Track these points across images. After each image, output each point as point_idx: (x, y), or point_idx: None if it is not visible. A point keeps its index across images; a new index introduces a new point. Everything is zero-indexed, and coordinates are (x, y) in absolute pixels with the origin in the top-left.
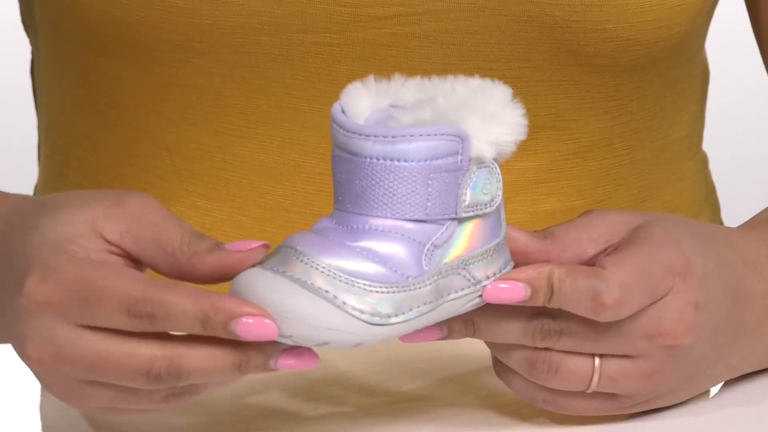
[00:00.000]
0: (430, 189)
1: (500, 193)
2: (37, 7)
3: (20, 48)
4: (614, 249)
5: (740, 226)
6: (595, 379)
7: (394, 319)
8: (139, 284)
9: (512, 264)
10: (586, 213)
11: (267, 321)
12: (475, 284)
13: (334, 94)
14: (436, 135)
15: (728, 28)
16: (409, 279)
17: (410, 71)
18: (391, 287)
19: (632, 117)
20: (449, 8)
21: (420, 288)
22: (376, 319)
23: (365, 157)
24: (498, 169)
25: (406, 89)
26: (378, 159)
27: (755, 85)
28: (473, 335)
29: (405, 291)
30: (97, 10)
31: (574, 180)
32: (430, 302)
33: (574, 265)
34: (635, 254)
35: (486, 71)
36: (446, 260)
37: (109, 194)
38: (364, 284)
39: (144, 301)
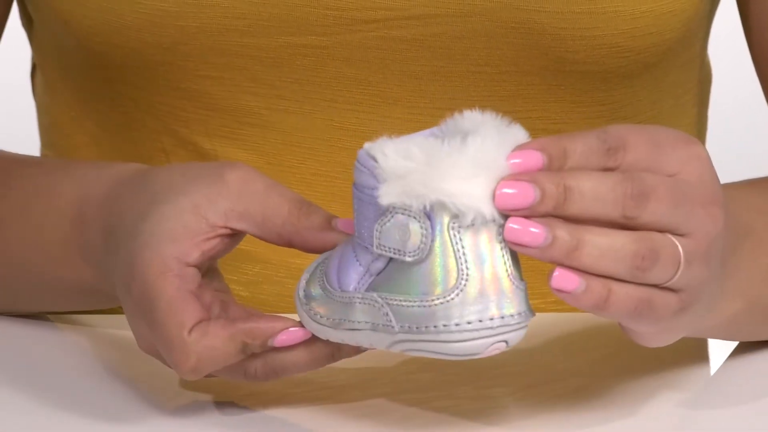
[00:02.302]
0: (358, 214)
1: (424, 247)
2: (32, 12)
3: (21, 49)
4: None
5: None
6: (682, 265)
7: (324, 321)
8: (177, 334)
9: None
10: None
11: (294, 329)
12: (391, 327)
13: (324, 96)
14: (361, 166)
15: (731, 31)
16: (339, 291)
17: (399, 73)
18: (329, 293)
19: (626, 121)
20: (436, 13)
21: (338, 301)
22: (314, 316)
23: None
24: (427, 224)
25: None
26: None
27: (758, 89)
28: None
29: (332, 300)
30: (83, 16)
31: None
32: (356, 321)
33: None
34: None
35: (475, 74)
36: (374, 289)
37: (209, 169)
38: (322, 285)
39: (185, 359)
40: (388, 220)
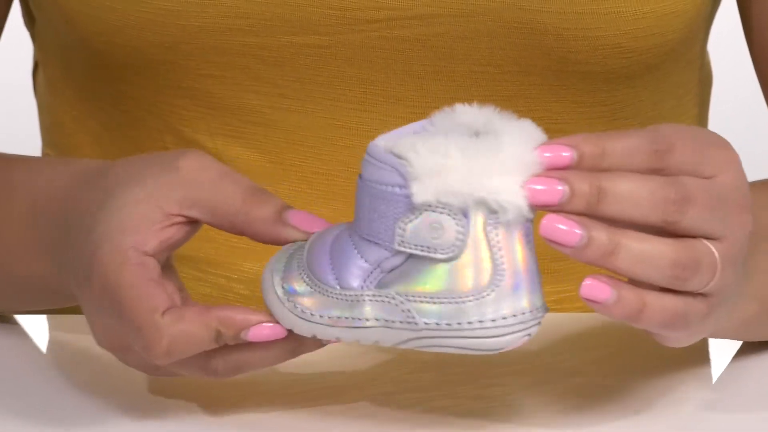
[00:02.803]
0: (370, 211)
1: (459, 244)
2: (34, 11)
3: (21, 49)
4: None
5: None
6: (719, 266)
7: (317, 318)
8: (150, 315)
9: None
10: None
11: (271, 324)
12: (414, 323)
13: (326, 95)
14: (378, 162)
15: (731, 31)
16: (343, 289)
17: (401, 73)
18: (324, 289)
19: (628, 122)
20: (439, 13)
21: (342, 299)
22: (301, 312)
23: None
24: (464, 221)
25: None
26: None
27: (758, 89)
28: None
29: (329, 296)
30: (86, 15)
31: None
32: (366, 319)
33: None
34: None
35: (477, 74)
36: (388, 287)
37: (164, 158)
38: (316, 284)
39: (158, 343)
40: (416, 218)
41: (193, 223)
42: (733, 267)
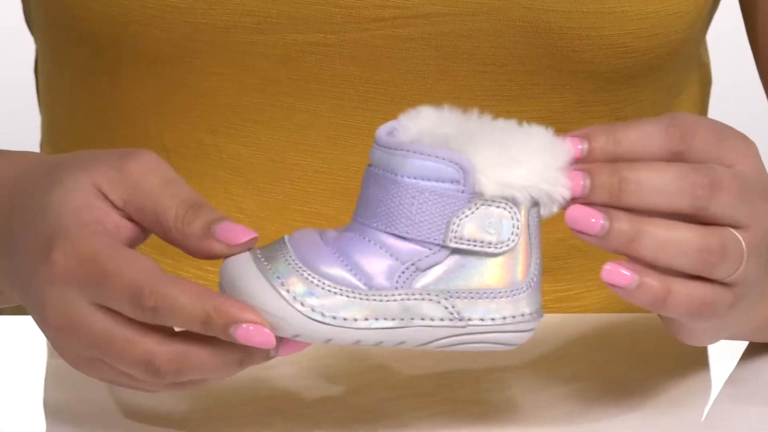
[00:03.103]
0: (414, 208)
1: (514, 239)
2: (36, 7)
3: (25, 46)
4: None
5: None
6: (745, 254)
7: (340, 321)
8: (146, 274)
9: (538, 317)
10: None
11: (266, 330)
12: (459, 320)
13: (330, 93)
14: (430, 156)
15: (732, 31)
16: (371, 289)
17: (405, 72)
18: (348, 291)
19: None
20: (444, 12)
21: (378, 300)
22: (321, 317)
23: (372, 166)
24: (519, 215)
25: (460, 121)
26: (378, 169)
27: (758, 89)
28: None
29: (360, 298)
30: (92, 10)
31: None
32: (392, 319)
33: None
34: None
35: (480, 74)
36: (425, 284)
37: (110, 156)
38: (326, 284)
39: (149, 292)
40: (472, 213)
41: (144, 229)
42: (757, 257)
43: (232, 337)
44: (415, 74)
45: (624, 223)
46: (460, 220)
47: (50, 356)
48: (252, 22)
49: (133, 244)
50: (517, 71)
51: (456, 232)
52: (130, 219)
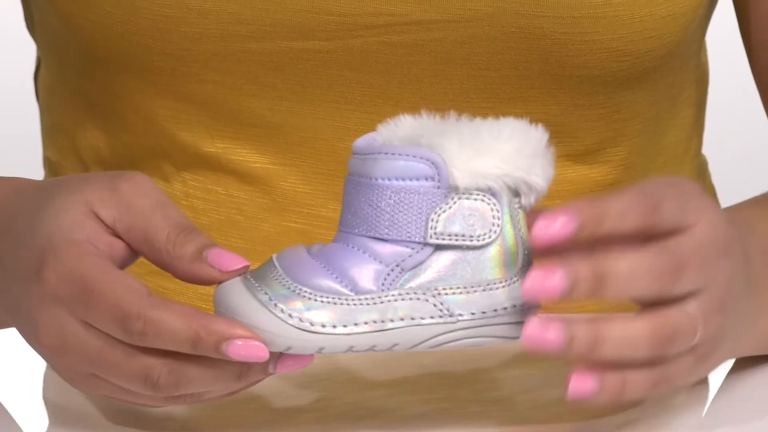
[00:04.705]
0: (392, 209)
1: (496, 230)
2: (36, 14)
3: (22, 50)
4: None
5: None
6: (699, 327)
7: (329, 329)
8: (133, 297)
9: (534, 307)
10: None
11: (257, 343)
12: (449, 316)
13: (326, 97)
14: (401, 156)
15: (729, 32)
16: (359, 294)
17: (400, 76)
18: (335, 299)
19: (625, 123)
20: (438, 18)
21: (365, 304)
22: (310, 326)
23: (350, 174)
24: (498, 206)
25: (437, 123)
26: (354, 175)
27: (754, 89)
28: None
29: (348, 305)
30: (88, 20)
31: (568, 185)
32: (382, 321)
33: None
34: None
35: (475, 78)
36: (411, 284)
37: (103, 177)
38: (313, 294)
39: (136, 316)
40: (449, 207)
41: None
42: (719, 313)
43: (223, 353)
44: (410, 77)
45: (582, 334)
46: (438, 216)
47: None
48: (246, 31)
49: (124, 264)
50: (511, 76)
51: (435, 228)
52: (120, 238)
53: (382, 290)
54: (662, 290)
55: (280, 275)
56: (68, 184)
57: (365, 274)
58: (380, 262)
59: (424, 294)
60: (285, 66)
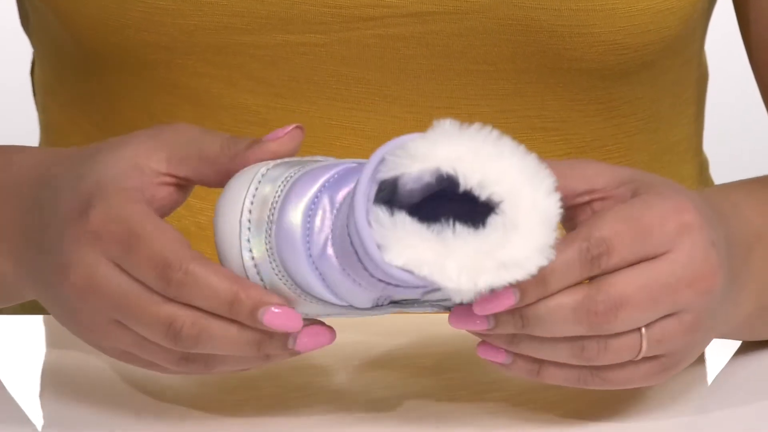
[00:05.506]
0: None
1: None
2: (30, 10)
3: (21, 49)
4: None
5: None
6: (644, 345)
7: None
8: (177, 247)
9: None
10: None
11: (294, 312)
12: (448, 310)
13: (322, 94)
14: (402, 280)
15: (728, 30)
16: (352, 307)
17: (397, 71)
18: (331, 306)
19: (625, 120)
20: (434, 11)
21: (360, 311)
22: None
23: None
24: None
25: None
26: (360, 249)
27: (754, 87)
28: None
29: (344, 313)
30: (83, 15)
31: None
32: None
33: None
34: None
35: (472, 73)
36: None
37: (144, 132)
38: (308, 297)
39: (178, 266)
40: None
41: (181, 188)
42: (689, 333)
43: (258, 320)
44: (407, 73)
45: (523, 360)
46: (427, 294)
47: (49, 356)
48: (241, 23)
49: (170, 211)
50: (509, 70)
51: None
52: (170, 184)
53: (377, 307)
54: (593, 330)
55: (279, 270)
56: (112, 142)
57: (358, 297)
58: (371, 292)
59: (422, 304)
60: (280, 60)
